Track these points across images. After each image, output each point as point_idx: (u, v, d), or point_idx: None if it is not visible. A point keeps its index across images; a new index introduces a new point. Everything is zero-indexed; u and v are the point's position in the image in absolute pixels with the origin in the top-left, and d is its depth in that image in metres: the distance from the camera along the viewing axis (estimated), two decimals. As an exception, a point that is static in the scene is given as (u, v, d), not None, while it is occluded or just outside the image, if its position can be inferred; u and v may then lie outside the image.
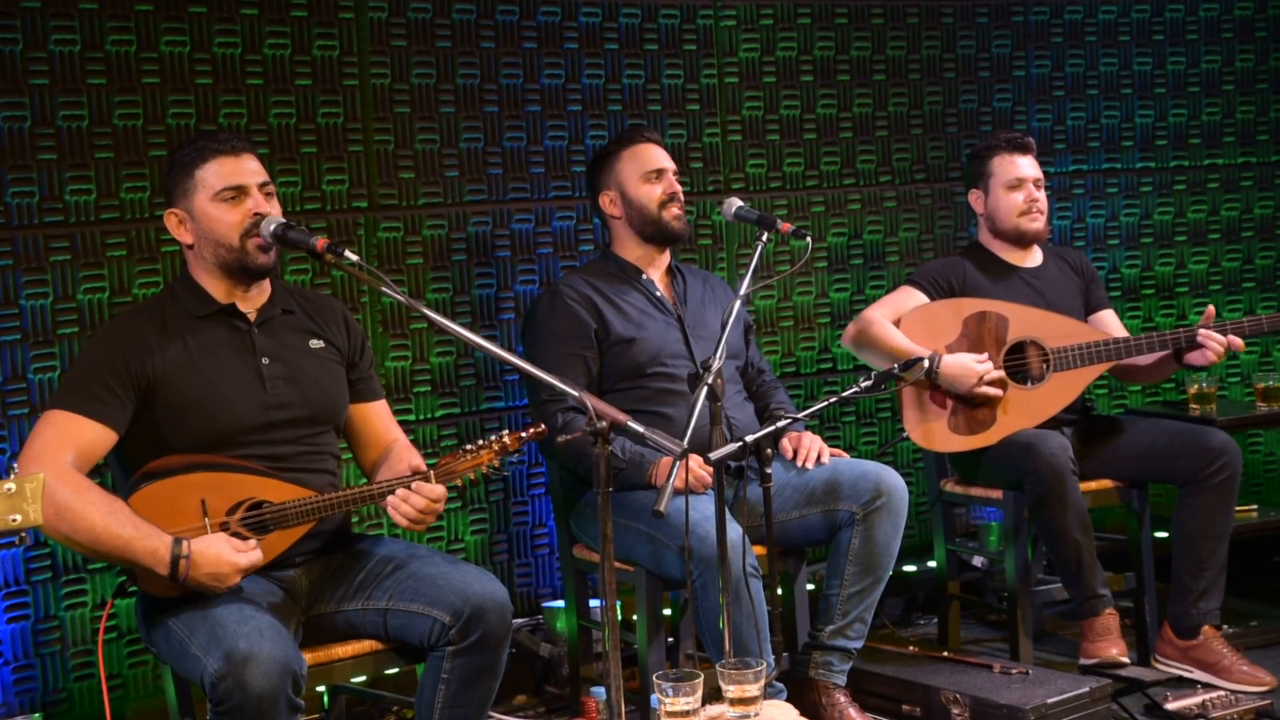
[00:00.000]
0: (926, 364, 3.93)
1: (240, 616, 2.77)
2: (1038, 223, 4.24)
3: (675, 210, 3.83)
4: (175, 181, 3.05)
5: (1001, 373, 4.04)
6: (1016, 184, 4.23)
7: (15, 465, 2.87)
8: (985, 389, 4.00)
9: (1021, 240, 4.26)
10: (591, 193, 3.93)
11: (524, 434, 3.06)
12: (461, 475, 3.02)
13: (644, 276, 3.86)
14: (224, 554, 2.81)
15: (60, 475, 2.78)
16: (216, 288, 3.07)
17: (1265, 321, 4.04)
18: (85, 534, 2.75)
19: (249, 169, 3.04)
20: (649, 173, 3.83)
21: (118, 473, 3.05)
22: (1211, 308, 4.03)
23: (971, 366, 4.00)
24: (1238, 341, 3.98)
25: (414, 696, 3.06)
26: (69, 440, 2.86)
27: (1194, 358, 4.02)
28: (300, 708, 2.75)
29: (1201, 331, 3.97)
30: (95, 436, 2.89)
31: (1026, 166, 4.23)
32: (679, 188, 3.85)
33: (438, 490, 2.98)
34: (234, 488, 2.94)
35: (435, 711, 2.97)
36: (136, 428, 2.95)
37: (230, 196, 3.01)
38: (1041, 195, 4.24)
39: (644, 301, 3.81)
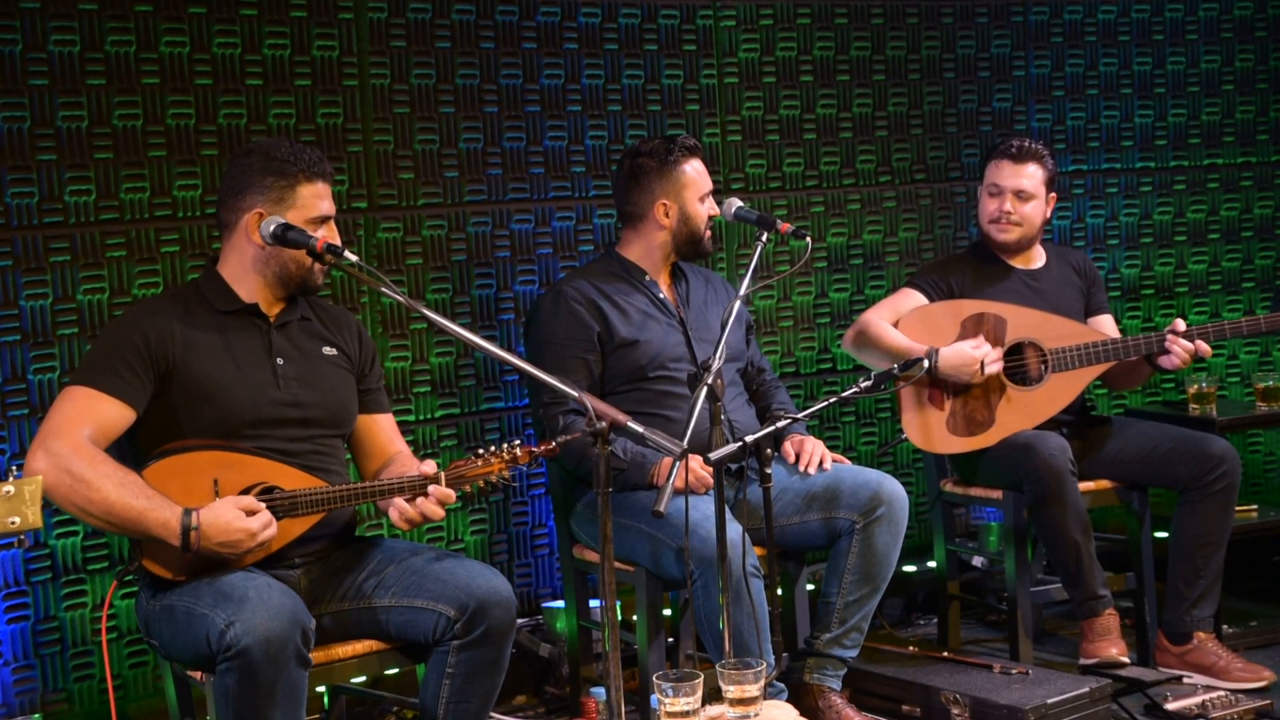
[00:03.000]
0: (926, 363, 3.94)
1: (246, 575, 2.84)
2: (1006, 234, 4.21)
3: (710, 233, 3.85)
4: (271, 185, 3.05)
5: (999, 355, 4.02)
6: (994, 190, 4.22)
7: (15, 466, 2.89)
8: (989, 370, 3.99)
9: (992, 245, 4.26)
10: (635, 193, 3.82)
11: (536, 449, 3.07)
12: (471, 482, 3.04)
13: (648, 278, 3.86)
14: (234, 521, 2.83)
15: (76, 448, 2.82)
16: (245, 289, 3.11)
17: (1244, 325, 4.07)
18: (99, 505, 2.79)
19: (331, 198, 3.12)
20: (706, 194, 3.83)
21: (129, 458, 3.06)
22: (1179, 321, 4.05)
23: (970, 354, 3.99)
24: (1205, 348, 4.02)
25: (414, 697, 3.07)
26: (88, 415, 2.89)
27: (1162, 361, 4.05)
28: (309, 663, 2.79)
29: (1170, 337, 4.00)
30: (114, 413, 2.92)
31: (1008, 175, 4.18)
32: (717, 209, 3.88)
33: (449, 494, 3.00)
34: (248, 470, 2.97)
35: (440, 707, 2.98)
36: (152, 411, 2.98)
37: (319, 224, 3.07)
38: (1021, 207, 4.18)
39: (647, 303, 3.81)
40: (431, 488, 2.99)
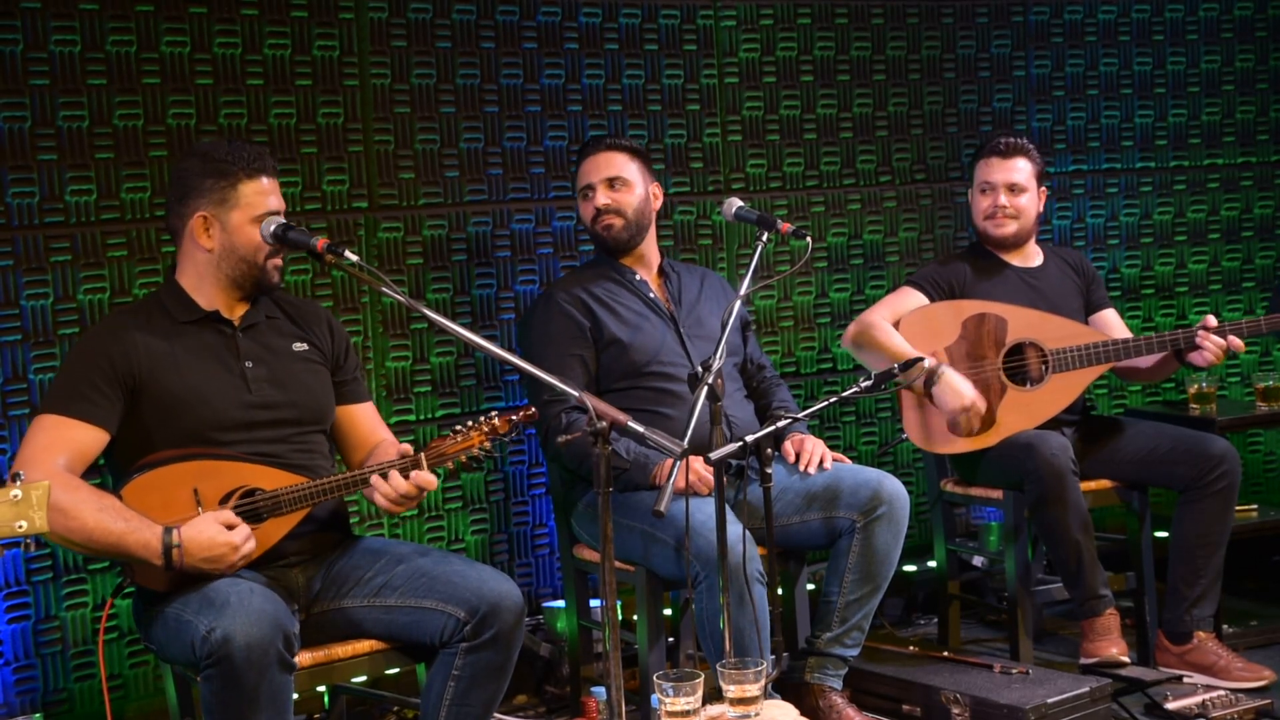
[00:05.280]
0: (927, 364, 3.94)
1: (232, 581, 2.83)
2: (1004, 228, 4.22)
3: (605, 222, 3.82)
4: (211, 187, 3.03)
5: (980, 414, 4.00)
6: (986, 187, 4.23)
7: (19, 470, 2.89)
8: (966, 417, 3.98)
9: (990, 243, 4.26)
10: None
11: (514, 417, 3.04)
12: (452, 458, 3.01)
13: (637, 277, 3.86)
14: (216, 536, 2.84)
15: (51, 477, 2.77)
16: (204, 296, 3.09)
17: (1264, 323, 4.04)
18: (78, 533, 2.78)
19: (278, 194, 3.09)
20: (581, 189, 3.87)
21: (111, 476, 3.06)
22: (1211, 317, 4.04)
23: (966, 395, 3.96)
24: (1237, 342, 3.99)
25: (414, 697, 3.06)
26: (60, 443, 2.88)
27: (1194, 358, 4.03)
28: (293, 667, 2.79)
29: (1200, 333, 3.98)
30: (87, 438, 2.92)
31: (998, 170, 4.19)
32: (610, 198, 3.81)
33: (429, 479, 2.97)
34: (227, 476, 2.96)
35: (442, 709, 2.98)
36: (125, 429, 2.97)
37: (270, 219, 3.05)
38: (1015, 200, 4.19)
39: (638, 303, 3.82)
40: (413, 473, 2.97)
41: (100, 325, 3.13)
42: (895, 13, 4.76)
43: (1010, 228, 4.22)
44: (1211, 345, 3.97)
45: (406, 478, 2.97)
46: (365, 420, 3.29)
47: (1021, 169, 4.20)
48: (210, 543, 2.83)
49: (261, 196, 3.04)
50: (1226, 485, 4.00)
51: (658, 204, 3.92)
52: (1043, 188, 4.27)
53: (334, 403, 3.23)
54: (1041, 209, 4.29)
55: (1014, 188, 4.20)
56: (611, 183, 3.81)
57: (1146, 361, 4.17)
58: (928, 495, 4.51)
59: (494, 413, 3.05)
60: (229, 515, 2.89)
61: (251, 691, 2.70)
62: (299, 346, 3.18)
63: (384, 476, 2.97)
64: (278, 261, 3.08)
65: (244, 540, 2.87)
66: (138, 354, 2.98)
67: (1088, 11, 4.99)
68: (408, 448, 3.03)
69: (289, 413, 3.10)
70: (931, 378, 3.97)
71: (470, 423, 3.03)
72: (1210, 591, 4.04)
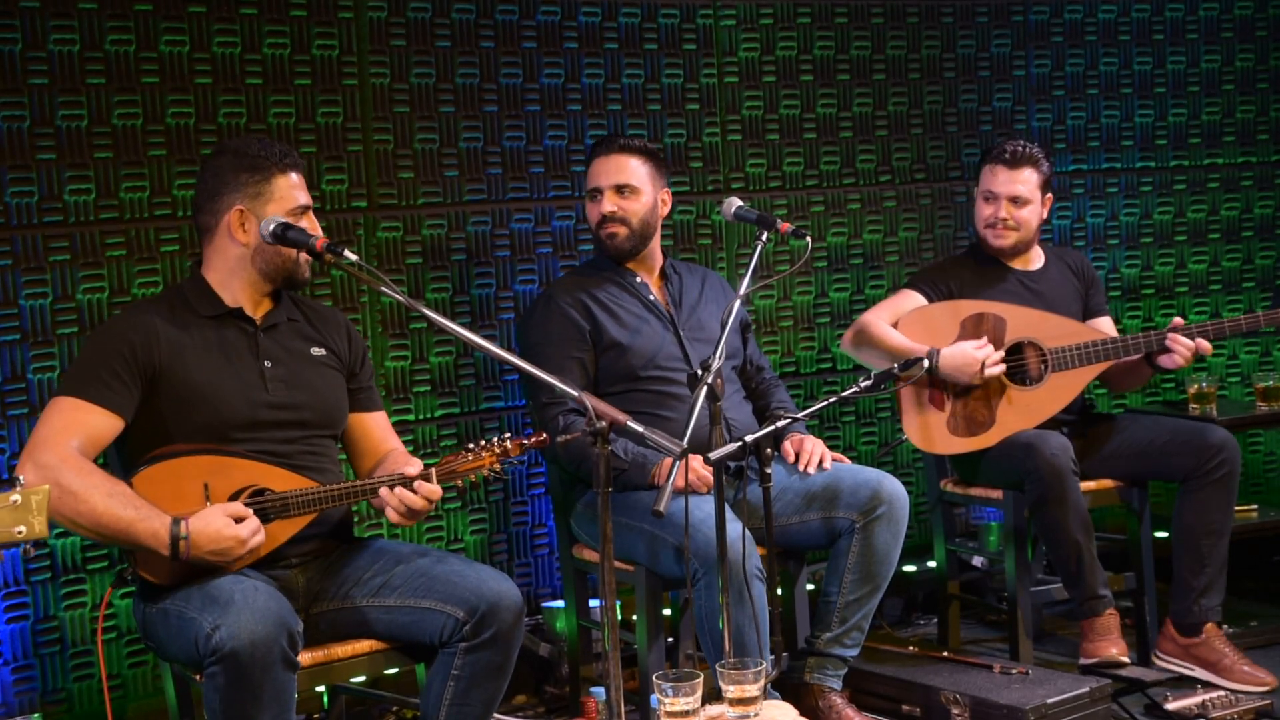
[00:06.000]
0: (926, 363, 3.94)
1: (235, 579, 2.83)
2: (1003, 240, 4.21)
3: (609, 230, 3.81)
4: (246, 181, 3.05)
5: (1001, 356, 4.02)
6: (989, 196, 4.22)
7: (17, 467, 2.88)
8: (989, 373, 3.99)
9: (990, 250, 4.26)
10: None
11: (526, 441, 3.08)
12: (462, 476, 3.05)
13: (638, 280, 3.86)
14: (223, 529, 2.83)
15: (65, 460, 2.81)
16: (230, 292, 3.10)
17: (1244, 321, 4.05)
18: (87, 517, 2.78)
19: (305, 189, 3.12)
20: (590, 190, 3.85)
21: (117, 465, 3.06)
22: (1179, 319, 4.04)
23: (971, 354, 3.99)
24: (1205, 345, 4.00)
25: (414, 696, 3.06)
26: (75, 426, 2.89)
27: (1163, 360, 4.03)
28: (296, 665, 2.79)
29: (1170, 335, 3.99)
30: (102, 423, 2.92)
31: (1003, 181, 4.18)
32: (617, 205, 3.79)
33: (436, 491, 3.00)
34: (238, 473, 2.97)
35: (442, 709, 2.98)
36: (140, 417, 2.98)
37: (300, 214, 3.07)
38: (1017, 212, 4.17)
39: (638, 305, 3.81)
40: (418, 484, 2.98)
41: (123, 313, 3.14)
42: (895, 12, 4.76)
43: (1009, 239, 4.21)
44: (1180, 348, 3.98)
45: (414, 493, 2.99)
46: (376, 429, 3.30)
47: (1027, 180, 4.18)
48: (217, 535, 2.83)
49: (294, 190, 3.08)
50: (1227, 473, 3.99)
51: (666, 209, 3.90)
52: (1048, 196, 4.25)
53: (347, 409, 3.24)
54: (1045, 216, 4.28)
55: (1017, 200, 4.18)
56: (620, 190, 3.79)
57: (1124, 366, 4.15)
58: (928, 495, 4.51)
59: (506, 435, 3.09)
60: (238, 508, 2.88)
61: (255, 689, 2.70)
62: (317, 351, 3.20)
63: (391, 488, 2.99)
64: (308, 256, 3.10)
65: (252, 534, 2.87)
66: (159, 343, 2.99)
67: (1088, 11, 4.98)
68: (419, 462, 3.04)
69: (303, 415, 3.11)
70: (934, 368, 3.98)
71: (483, 442, 3.07)
72: (1217, 581, 4.02)
